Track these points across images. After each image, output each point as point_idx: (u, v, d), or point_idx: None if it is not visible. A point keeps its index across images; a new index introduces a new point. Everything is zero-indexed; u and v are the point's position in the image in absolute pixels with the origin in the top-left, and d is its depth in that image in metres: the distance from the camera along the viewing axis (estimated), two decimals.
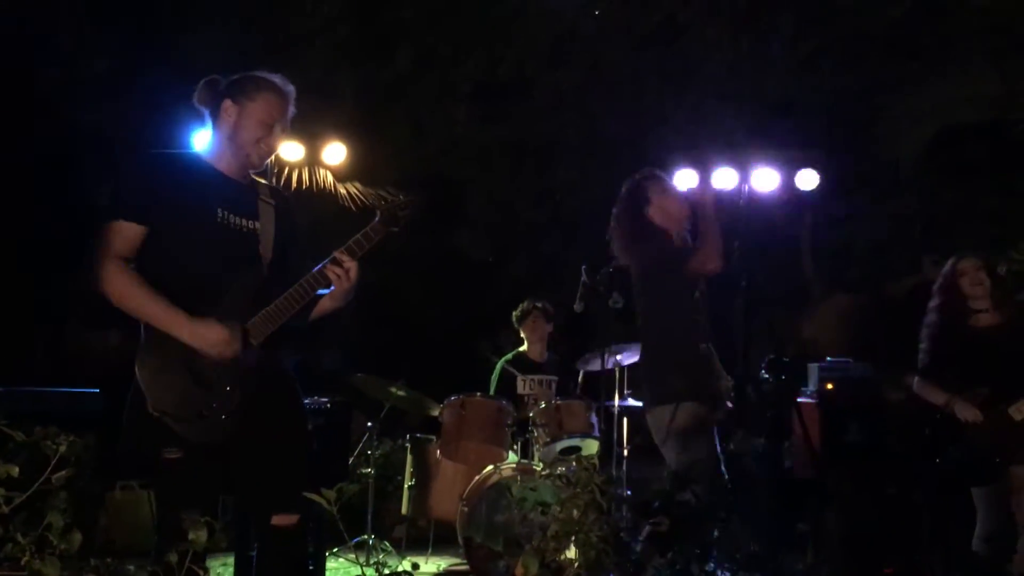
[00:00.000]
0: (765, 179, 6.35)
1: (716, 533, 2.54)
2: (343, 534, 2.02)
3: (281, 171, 6.09)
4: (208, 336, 2.43)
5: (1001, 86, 6.24)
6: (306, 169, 6.20)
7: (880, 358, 6.34)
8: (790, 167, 6.39)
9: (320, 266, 2.57)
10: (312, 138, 5.78)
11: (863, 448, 5.49)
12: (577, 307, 4.63)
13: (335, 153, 6.05)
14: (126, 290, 2.46)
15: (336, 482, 2.05)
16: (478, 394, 4.93)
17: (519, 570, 1.98)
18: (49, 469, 1.77)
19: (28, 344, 6.06)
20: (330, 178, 6.32)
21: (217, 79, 2.71)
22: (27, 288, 6.17)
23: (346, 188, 6.59)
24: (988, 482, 3.78)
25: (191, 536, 1.70)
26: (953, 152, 6.63)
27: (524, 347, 5.55)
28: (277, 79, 2.70)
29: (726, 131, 6.86)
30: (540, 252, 7.57)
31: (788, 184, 6.41)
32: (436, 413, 5.01)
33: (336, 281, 2.57)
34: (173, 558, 1.72)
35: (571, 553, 2.24)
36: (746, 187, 6.10)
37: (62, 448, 1.80)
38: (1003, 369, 3.77)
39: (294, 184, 6.26)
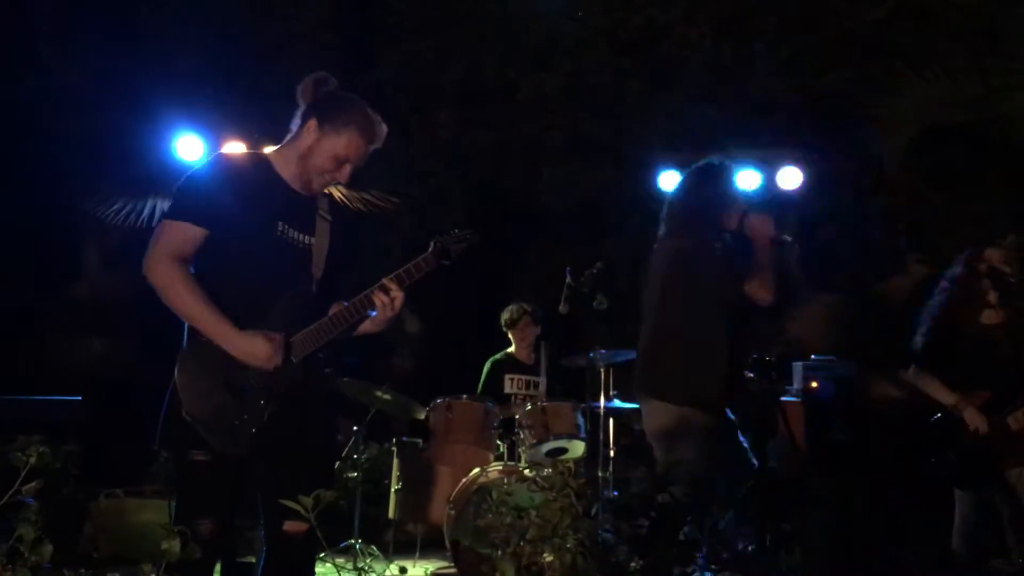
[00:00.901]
0: (748, 179, 6.40)
1: (699, 534, 2.54)
2: (321, 540, 2.02)
3: None
4: (251, 349, 2.44)
5: (982, 87, 6.27)
6: None
7: (865, 357, 6.38)
8: (772, 167, 6.43)
9: (368, 291, 2.57)
10: None
11: (848, 446, 5.52)
12: (562, 309, 4.64)
13: None
14: (177, 286, 2.44)
15: (323, 487, 2.06)
16: (464, 396, 4.96)
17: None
18: (19, 480, 1.75)
19: (9, 353, 6.02)
20: None
21: (326, 78, 2.65)
22: (9, 296, 6.14)
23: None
24: (978, 486, 3.78)
25: (164, 547, 1.69)
26: (936, 152, 6.66)
27: (512, 348, 5.62)
28: (370, 117, 2.62)
29: (709, 132, 6.88)
30: (525, 254, 7.57)
31: (771, 184, 6.45)
32: (422, 416, 5.02)
33: (381, 309, 2.57)
34: (148, 568, 1.72)
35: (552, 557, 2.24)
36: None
37: (32, 459, 1.79)
38: (1003, 372, 3.75)
39: None
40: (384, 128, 2.66)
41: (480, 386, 5.50)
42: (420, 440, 5.03)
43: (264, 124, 5.58)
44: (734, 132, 6.95)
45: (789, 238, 3.62)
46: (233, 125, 5.98)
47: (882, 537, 4.74)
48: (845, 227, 7.34)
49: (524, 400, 5.34)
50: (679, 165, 6.70)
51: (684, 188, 3.77)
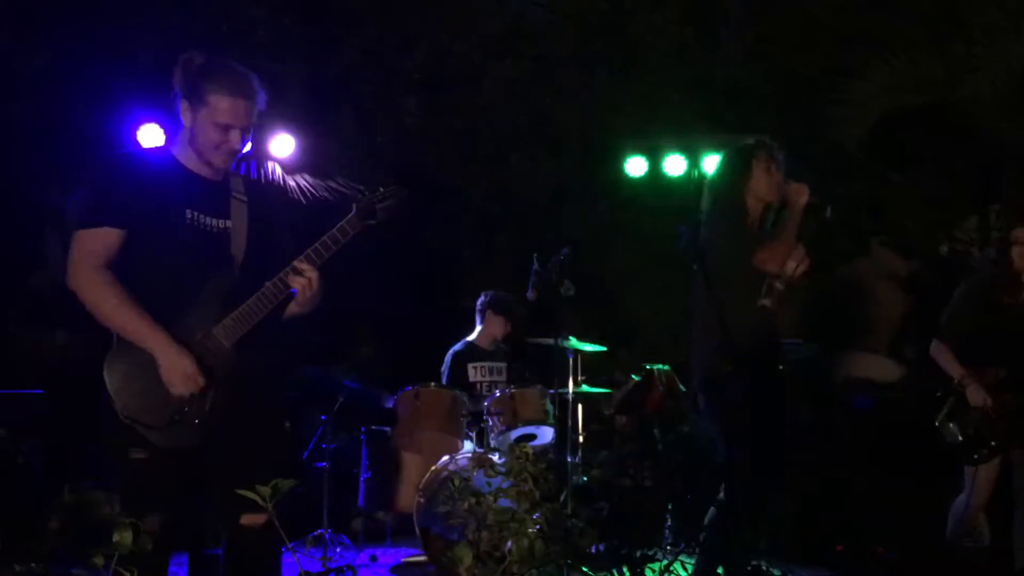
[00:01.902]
0: (714, 164, 6.43)
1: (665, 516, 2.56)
2: (280, 531, 2.01)
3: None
4: (175, 367, 2.40)
5: (943, 71, 6.35)
6: (253, 161, 6.11)
7: (830, 339, 6.44)
8: None
9: (282, 274, 2.53)
10: (259, 130, 5.64)
11: (812, 428, 5.58)
12: (530, 295, 4.66)
13: (283, 145, 5.99)
14: (108, 303, 2.42)
15: (290, 478, 2.04)
16: (432, 384, 4.96)
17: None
18: None
19: None
20: (278, 171, 6.24)
21: (188, 58, 2.58)
22: None
23: (295, 180, 6.52)
24: (980, 462, 3.82)
25: (115, 538, 1.68)
26: (898, 136, 6.73)
27: (474, 336, 5.59)
28: (232, 74, 2.56)
29: (675, 117, 6.90)
30: (492, 241, 7.57)
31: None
32: (390, 404, 5.02)
33: (300, 290, 2.53)
34: (99, 560, 1.70)
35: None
36: (695, 172, 6.20)
37: None
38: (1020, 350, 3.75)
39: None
40: (252, 76, 2.59)
41: (445, 378, 5.46)
42: (388, 428, 5.02)
43: None
44: (701, 117, 6.98)
45: (828, 212, 3.63)
46: None
47: (845, 518, 4.81)
48: (810, 209, 7.38)
49: (490, 387, 5.35)
50: (646, 151, 6.73)
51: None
